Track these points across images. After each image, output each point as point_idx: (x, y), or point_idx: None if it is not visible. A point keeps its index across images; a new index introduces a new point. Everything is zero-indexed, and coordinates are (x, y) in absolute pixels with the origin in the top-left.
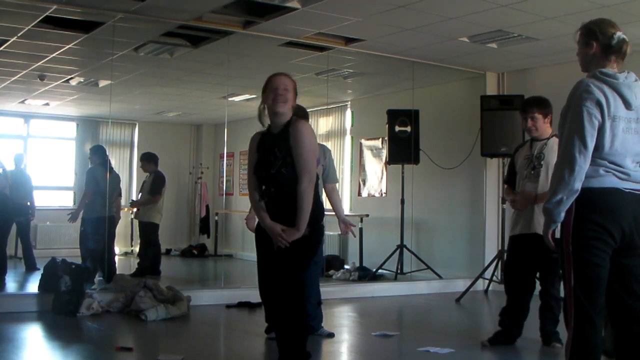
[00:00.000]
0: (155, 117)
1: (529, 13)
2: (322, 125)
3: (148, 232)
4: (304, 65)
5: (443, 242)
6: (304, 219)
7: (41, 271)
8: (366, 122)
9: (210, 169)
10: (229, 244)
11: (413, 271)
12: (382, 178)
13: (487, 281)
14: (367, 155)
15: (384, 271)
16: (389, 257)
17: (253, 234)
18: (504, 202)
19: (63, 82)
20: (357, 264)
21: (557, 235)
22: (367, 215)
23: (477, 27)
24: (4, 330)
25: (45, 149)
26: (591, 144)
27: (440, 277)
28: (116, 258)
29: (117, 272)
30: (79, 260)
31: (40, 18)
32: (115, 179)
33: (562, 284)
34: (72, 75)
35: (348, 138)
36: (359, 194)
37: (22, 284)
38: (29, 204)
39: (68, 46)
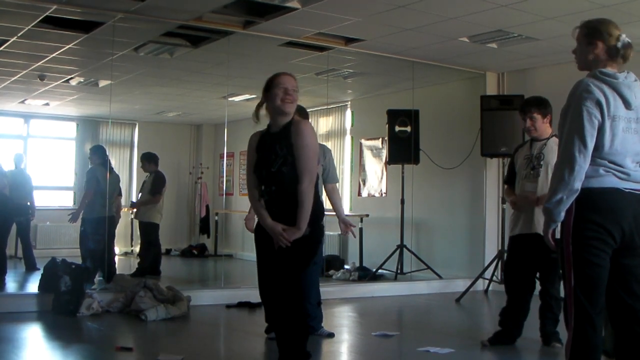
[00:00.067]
0: (155, 117)
1: (529, 13)
2: (322, 125)
3: (148, 232)
4: (304, 65)
5: (443, 242)
6: (304, 218)
7: (41, 271)
8: (366, 122)
9: (210, 169)
10: (229, 244)
11: (413, 271)
12: (382, 178)
13: (487, 281)
14: (367, 155)
15: (384, 271)
16: (389, 257)
17: (253, 234)
18: (504, 202)
19: (63, 82)
20: (357, 264)
21: (557, 235)
22: (367, 215)
23: (477, 27)
24: (4, 330)
25: (45, 149)
26: (591, 143)
27: (440, 277)
28: (116, 258)
29: (117, 272)
30: (79, 260)
31: (40, 18)
32: (115, 179)
33: (562, 284)
34: (72, 75)
35: (348, 138)
36: (359, 194)
37: (22, 284)
38: (29, 204)
39: (68, 46)
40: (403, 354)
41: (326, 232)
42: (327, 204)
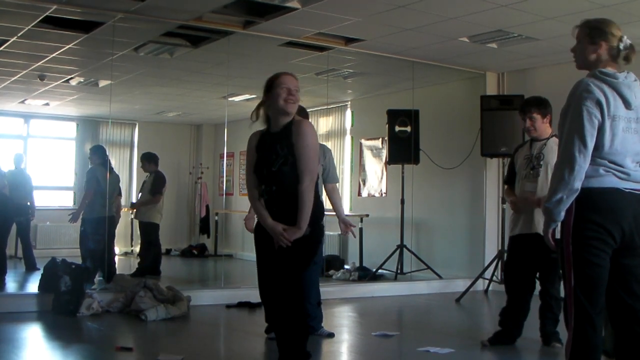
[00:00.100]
0: (155, 117)
1: (529, 13)
2: (322, 125)
3: (149, 232)
4: (304, 65)
5: (443, 242)
6: (305, 217)
7: (41, 271)
8: (366, 122)
9: (210, 169)
10: (229, 244)
11: (413, 271)
12: (382, 178)
13: (487, 281)
14: (367, 155)
15: (384, 271)
16: (389, 257)
17: (252, 234)
18: (504, 202)
19: (63, 82)
20: (357, 264)
21: (558, 235)
22: (367, 215)
23: (477, 27)
24: (4, 330)
25: (45, 149)
26: (591, 143)
27: (440, 277)
28: (116, 258)
29: (117, 272)
30: (79, 260)
31: (40, 18)
32: (115, 179)
33: (562, 284)
34: (72, 75)
35: (348, 138)
36: (359, 194)
37: (22, 284)
38: (29, 204)
39: (68, 46)
40: (403, 354)
41: (326, 232)
42: (327, 204)
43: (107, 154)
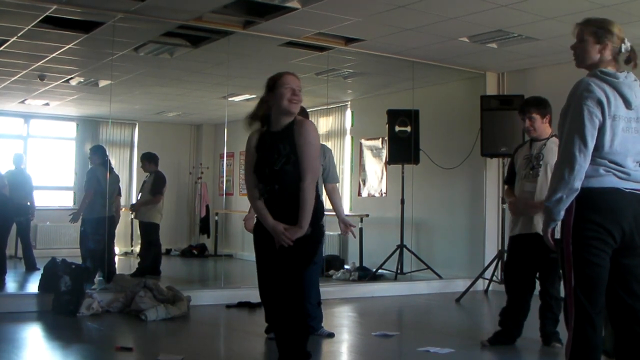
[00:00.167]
0: (155, 117)
1: (529, 13)
2: (322, 125)
3: (149, 232)
4: (304, 65)
5: (443, 242)
6: (307, 216)
7: (41, 271)
8: (366, 122)
9: (210, 169)
10: (229, 244)
11: (413, 271)
12: (382, 178)
13: (487, 281)
14: (367, 155)
15: (384, 271)
16: (389, 257)
17: (252, 234)
18: (504, 202)
19: (63, 82)
20: (357, 264)
21: (557, 235)
22: (367, 215)
23: (477, 27)
24: (4, 330)
25: (45, 149)
26: (591, 143)
27: (440, 277)
28: (116, 258)
29: (117, 272)
30: (79, 260)
31: (40, 18)
32: (115, 179)
33: (562, 284)
34: (72, 75)
35: (348, 138)
36: (359, 194)
37: (22, 284)
38: (29, 204)
39: (68, 46)
40: (403, 354)
41: (326, 232)
42: (327, 204)
43: (107, 154)
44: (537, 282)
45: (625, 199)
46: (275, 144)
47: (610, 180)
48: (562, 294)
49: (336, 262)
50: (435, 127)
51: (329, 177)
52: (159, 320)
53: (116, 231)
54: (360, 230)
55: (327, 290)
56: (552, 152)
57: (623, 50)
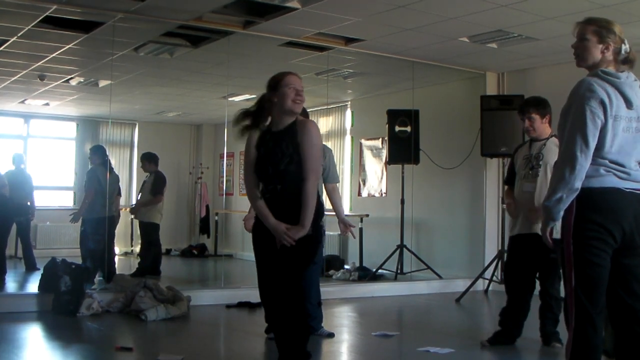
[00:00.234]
0: (155, 117)
1: (529, 13)
2: (322, 125)
3: (149, 232)
4: (304, 65)
5: (443, 242)
6: (309, 216)
7: (41, 271)
8: (366, 122)
9: (210, 169)
10: (229, 244)
11: (413, 271)
12: (382, 178)
13: (487, 281)
14: (367, 155)
15: (384, 271)
16: (389, 257)
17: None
18: (504, 202)
19: (63, 82)
20: (357, 264)
21: (557, 234)
22: (367, 215)
23: (477, 27)
24: (4, 330)
25: (45, 149)
26: (593, 143)
27: (440, 277)
28: (116, 258)
29: (117, 272)
30: (79, 260)
31: (40, 18)
32: (115, 179)
33: (562, 284)
34: (72, 75)
35: (348, 138)
36: (359, 194)
37: (22, 284)
38: (29, 204)
39: (68, 46)
40: (403, 354)
41: (326, 232)
42: (327, 204)
43: (107, 154)
44: (537, 282)
45: (626, 198)
46: (277, 144)
47: (610, 180)
48: (562, 294)
49: (336, 262)
50: (435, 127)
51: (329, 177)
52: (159, 320)
53: (116, 231)
54: (360, 230)
55: (327, 290)
56: (551, 152)
57: (623, 51)
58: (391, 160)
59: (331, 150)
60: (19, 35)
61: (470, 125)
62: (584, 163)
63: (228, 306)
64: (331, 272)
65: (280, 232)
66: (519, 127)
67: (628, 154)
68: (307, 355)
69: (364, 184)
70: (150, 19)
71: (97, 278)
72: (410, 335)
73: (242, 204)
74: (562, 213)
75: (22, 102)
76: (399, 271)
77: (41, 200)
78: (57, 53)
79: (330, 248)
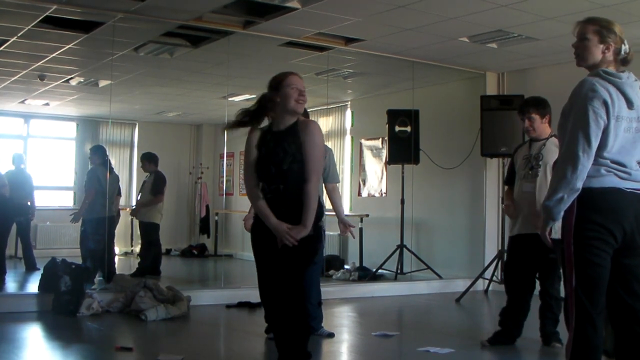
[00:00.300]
0: (155, 117)
1: (529, 13)
2: (322, 125)
3: (149, 232)
4: (304, 65)
5: (443, 242)
6: (311, 216)
7: (41, 271)
8: (366, 122)
9: (210, 169)
10: (229, 244)
11: (413, 271)
12: (382, 178)
13: (487, 281)
14: (367, 155)
15: (384, 271)
16: (389, 257)
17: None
18: (504, 202)
19: (63, 82)
20: (357, 264)
21: (555, 234)
22: (367, 215)
23: (477, 27)
24: (4, 330)
25: (45, 149)
26: (595, 143)
27: (440, 277)
28: (116, 258)
29: (117, 272)
30: (79, 260)
31: (40, 18)
32: (115, 179)
33: (562, 284)
34: (72, 75)
35: (348, 138)
36: (359, 194)
37: (22, 284)
38: (29, 203)
39: (68, 46)
40: (403, 354)
41: (326, 232)
42: (327, 204)
43: (107, 154)
44: (537, 282)
45: (626, 198)
46: (279, 143)
47: (611, 180)
48: (562, 294)
49: (336, 262)
50: (435, 127)
51: (329, 176)
52: (159, 320)
53: (116, 231)
54: (360, 230)
55: (327, 290)
56: (551, 152)
57: (623, 51)
58: (391, 160)
59: (331, 150)
60: (19, 35)
61: (470, 125)
62: (586, 163)
63: (228, 306)
64: (331, 272)
65: (282, 232)
66: (519, 127)
67: (629, 154)
68: (307, 355)
69: (364, 184)
70: (150, 19)
71: (97, 278)
72: (410, 335)
73: (242, 204)
74: (562, 213)
75: (22, 102)
76: (399, 271)
77: (41, 200)
78: (57, 53)
79: (330, 248)
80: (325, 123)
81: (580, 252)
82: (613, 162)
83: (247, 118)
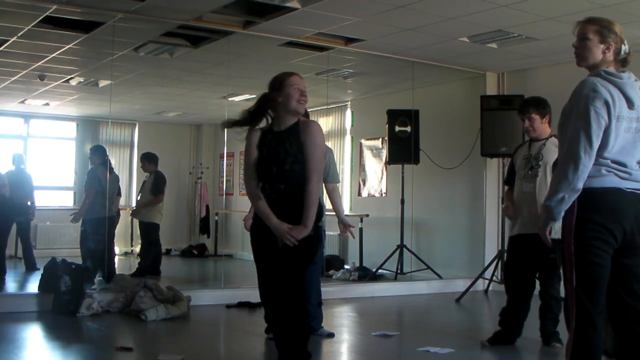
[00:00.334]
0: (155, 117)
1: (529, 13)
2: (322, 125)
3: (149, 232)
4: (304, 65)
5: (443, 242)
6: (311, 216)
7: (41, 271)
8: (366, 122)
9: (210, 169)
10: (229, 244)
11: (413, 271)
12: (382, 178)
13: (487, 281)
14: (367, 155)
15: (384, 271)
16: (389, 257)
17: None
18: (504, 202)
19: (63, 82)
20: (357, 264)
21: (555, 234)
22: (367, 215)
23: (477, 27)
24: (4, 330)
25: (45, 149)
26: (597, 143)
27: (440, 277)
28: (116, 258)
29: (117, 272)
30: (79, 260)
31: (40, 18)
32: (115, 179)
33: (562, 284)
34: (72, 75)
35: (348, 138)
36: (359, 194)
37: (22, 284)
38: (29, 203)
39: (68, 46)
40: (403, 354)
41: (326, 232)
42: (327, 204)
43: (107, 154)
44: (537, 282)
45: (627, 198)
46: (280, 143)
47: (611, 180)
48: (562, 294)
49: (336, 262)
50: (435, 127)
51: (330, 176)
52: (159, 320)
53: (116, 231)
54: (360, 230)
55: (327, 290)
56: (551, 152)
57: (622, 52)
58: (391, 160)
59: (331, 150)
60: (19, 35)
61: (470, 125)
62: (587, 163)
63: (228, 306)
64: (331, 272)
65: (283, 232)
66: (519, 127)
67: (629, 154)
68: (307, 355)
69: (364, 184)
70: (150, 19)
71: (97, 278)
72: (410, 335)
73: (242, 204)
74: (563, 213)
75: (22, 102)
76: (399, 271)
77: (41, 200)
78: (57, 53)
79: (330, 248)
80: (325, 123)
81: (581, 252)
82: (614, 162)
83: (248, 118)
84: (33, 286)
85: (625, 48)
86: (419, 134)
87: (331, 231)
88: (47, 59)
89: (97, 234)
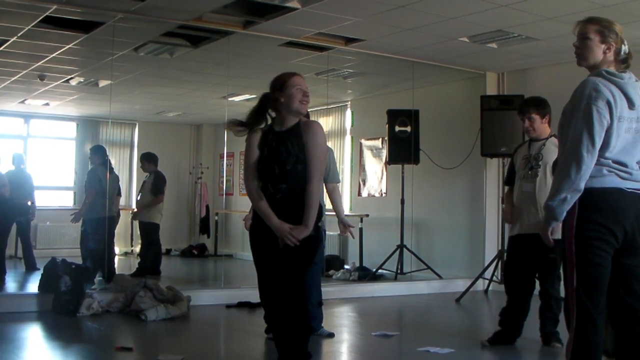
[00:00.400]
0: (155, 117)
1: (529, 13)
2: (322, 125)
3: (149, 232)
4: (304, 65)
5: (443, 242)
6: (312, 216)
7: (41, 271)
8: (366, 122)
9: (210, 169)
10: (229, 244)
11: (413, 271)
12: (382, 178)
13: (487, 281)
14: (367, 155)
15: (384, 271)
16: (389, 257)
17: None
18: (504, 202)
19: (63, 82)
20: (357, 264)
21: (556, 235)
22: (367, 215)
23: (477, 27)
24: (4, 330)
25: (45, 149)
26: (599, 143)
27: (440, 277)
28: (116, 258)
29: (117, 272)
30: (79, 260)
31: (40, 18)
32: (115, 179)
33: (562, 284)
34: (72, 75)
35: (348, 138)
36: (359, 194)
37: (22, 284)
38: (29, 203)
39: (68, 46)
40: (403, 354)
41: (326, 232)
42: (327, 204)
43: (107, 154)
44: (537, 282)
45: (627, 198)
46: (282, 143)
47: (612, 180)
48: (562, 294)
49: (336, 262)
50: (435, 127)
51: (330, 176)
52: (159, 320)
53: (116, 231)
54: (360, 230)
55: (327, 290)
56: (551, 152)
57: (622, 52)
58: (391, 160)
59: (332, 150)
60: (19, 35)
61: (470, 125)
62: (590, 163)
63: (228, 306)
64: (331, 272)
65: (284, 232)
66: (519, 127)
67: (630, 154)
68: (307, 355)
69: (364, 184)
70: (150, 19)
71: (97, 278)
72: (410, 335)
73: (242, 204)
74: (565, 213)
75: (22, 102)
76: (399, 271)
77: (41, 200)
78: (57, 53)
79: (330, 248)
80: (325, 123)
81: (581, 252)
82: (615, 162)
83: (252, 119)
84: (33, 286)
85: (625, 48)
86: (419, 134)
87: (331, 231)
88: (47, 59)
89: (97, 234)
